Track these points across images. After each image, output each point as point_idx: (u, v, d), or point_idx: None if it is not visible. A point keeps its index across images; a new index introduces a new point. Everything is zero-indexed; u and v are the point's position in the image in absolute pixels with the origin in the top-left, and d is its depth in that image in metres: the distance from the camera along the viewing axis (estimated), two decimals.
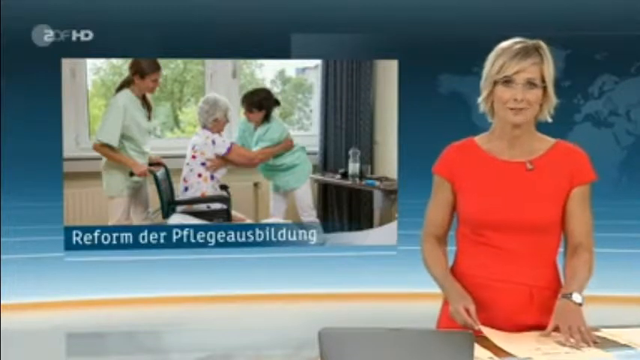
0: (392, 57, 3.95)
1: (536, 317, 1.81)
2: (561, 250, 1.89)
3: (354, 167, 4.30)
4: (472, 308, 1.75)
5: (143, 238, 3.88)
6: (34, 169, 3.77)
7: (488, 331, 1.73)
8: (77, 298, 3.95)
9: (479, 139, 1.92)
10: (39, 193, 3.82)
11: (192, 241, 3.90)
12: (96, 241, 3.90)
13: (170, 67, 4.19)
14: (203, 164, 4.10)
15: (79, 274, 3.92)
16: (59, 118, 3.80)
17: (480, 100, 1.87)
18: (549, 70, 1.80)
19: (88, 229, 3.90)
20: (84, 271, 3.92)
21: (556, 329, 1.73)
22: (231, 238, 3.96)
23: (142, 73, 3.91)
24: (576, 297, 1.77)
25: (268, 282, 4.01)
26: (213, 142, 4.08)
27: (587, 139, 4.12)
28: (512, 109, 1.79)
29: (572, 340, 1.68)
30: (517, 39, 1.82)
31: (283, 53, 3.74)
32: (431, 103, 4.06)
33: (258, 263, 3.98)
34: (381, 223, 4.32)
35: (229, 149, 4.07)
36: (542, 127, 1.91)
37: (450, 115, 3.85)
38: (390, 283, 4.03)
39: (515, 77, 1.77)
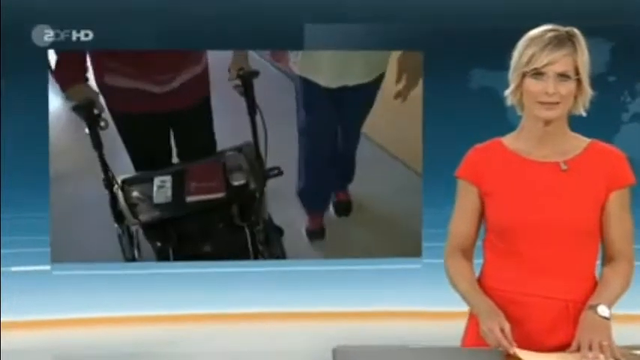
0: (416, 48, 3.97)
1: (574, 335, 1.78)
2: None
3: None
4: (507, 328, 1.75)
5: None
6: (22, 175, 3.84)
7: (523, 354, 1.74)
8: (66, 316, 3.99)
9: (506, 139, 1.94)
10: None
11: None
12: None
13: None
14: None
15: (67, 289, 3.97)
16: None
17: (507, 92, 1.88)
18: (583, 61, 1.81)
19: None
20: (73, 286, 3.97)
21: None
22: None
23: None
24: (602, 310, 1.77)
25: (277, 298, 4.04)
26: None
27: (634, 139, 4.12)
28: (543, 103, 1.81)
29: (590, 355, 1.69)
30: (548, 26, 1.83)
31: (297, 44, 3.78)
32: (459, 99, 4.04)
33: (266, 277, 4.00)
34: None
35: None
36: (583, 127, 1.93)
37: (481, 113, 3.82)
38: (414, 299, 4.04)
39: (547, 70, 1.79)
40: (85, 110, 3.03)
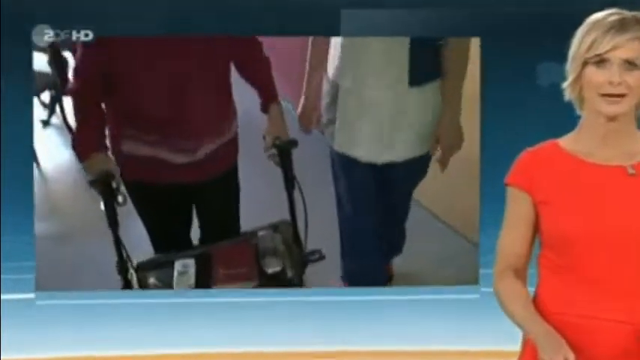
0: (473, 34, 4.01)
1: None
2: None
3: None
4: (571, 358, 1.80)
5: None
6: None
7: None
8: (52, 354, 4.08)
9: (563, 141, 2.01)
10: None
11: None
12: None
13: None
14: None
15: (53, 322, 4.06)
16: None
17: (565, 85, 1.95)
18: None
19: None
20: (60, 318, 4.06)
21: None
22: None
23: None
24: None
25: (309, 334, 4.06)
26: None
27: None
28: (606, 95, 1.87)
29: None
30: (612, 10, 1.90)
31: (333, 31, 3.86)
32: (520, 96, 4.06)
33: (295, 309, 4.04)
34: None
35: None
36: None
37: (547, 113, 3.84)
38: (471, 334, 4.06)
39: (610, 56, 1.85)
40: (103, 184, 3.07)
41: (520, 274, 2.02)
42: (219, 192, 3.72)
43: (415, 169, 3.79)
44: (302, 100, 3.78)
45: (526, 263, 2.03)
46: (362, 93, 3.42)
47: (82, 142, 3.23)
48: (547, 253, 2.00)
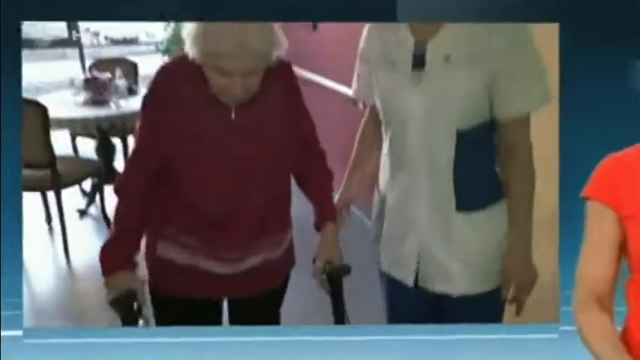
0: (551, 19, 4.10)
1: None
2: None
3: None
4: None
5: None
6: None
7: None
8: None
9: None
10: None
11: None
12: None
13: None
14: None
15: None
16: None
17: None
18: None
19: None
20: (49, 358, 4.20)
21: None
22: None
23: None
24: None
25: None
26: None
27: None
28: None
29: None
30: None
31: (389, 17, 3.99)
32: (605, 93, 4.13)
33: (336, 348, 4.15)
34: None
35: None
36: None
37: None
38: None
39: None
40: (124, 306, 3.15)
41: (605, 304, 2.02)
42: (261, 313, 3.75)
43: (479, 309, 3.49)
44: (338, 195, 3.69)
45: (612, 290, 2.03)
46: (407, 210, 3.30)
47: (110, 256, 3.22)
48: (637, 278, 2.01)
